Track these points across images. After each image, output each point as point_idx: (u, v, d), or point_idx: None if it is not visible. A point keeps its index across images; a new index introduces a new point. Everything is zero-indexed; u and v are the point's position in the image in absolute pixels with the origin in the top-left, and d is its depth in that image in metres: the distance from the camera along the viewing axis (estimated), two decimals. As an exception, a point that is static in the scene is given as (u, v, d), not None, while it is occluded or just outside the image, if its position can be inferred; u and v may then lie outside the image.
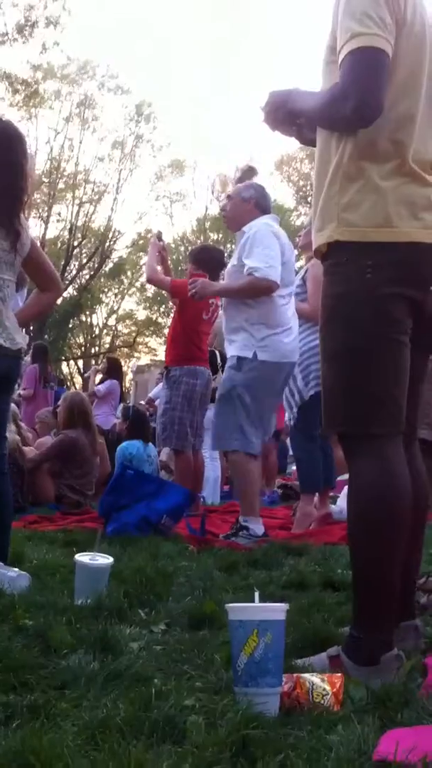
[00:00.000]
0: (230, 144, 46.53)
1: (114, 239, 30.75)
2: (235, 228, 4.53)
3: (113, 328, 34.17)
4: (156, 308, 32.70)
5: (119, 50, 45.95)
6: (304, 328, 4.61)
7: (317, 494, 5.11)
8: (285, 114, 2.10)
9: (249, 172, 5.27)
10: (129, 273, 32.63)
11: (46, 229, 28.60)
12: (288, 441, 10.62)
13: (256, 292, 4.21)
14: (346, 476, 3.74)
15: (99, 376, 10.49)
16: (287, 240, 4.44)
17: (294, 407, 4.98)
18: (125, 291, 33.39)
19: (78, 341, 33.26)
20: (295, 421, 5.05)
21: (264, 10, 45.10)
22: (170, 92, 45.99)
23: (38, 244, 2.98)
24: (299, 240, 5.35)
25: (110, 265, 31.56)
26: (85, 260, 30.24)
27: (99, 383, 10.25)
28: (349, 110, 1.82)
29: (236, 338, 4.30)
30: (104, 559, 2.58)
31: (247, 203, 4.50)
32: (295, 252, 5.03)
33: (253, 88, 41.32)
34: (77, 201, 29.52)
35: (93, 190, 29.87)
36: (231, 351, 4.33)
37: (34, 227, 26.83)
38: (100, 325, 33.76)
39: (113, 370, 10.40)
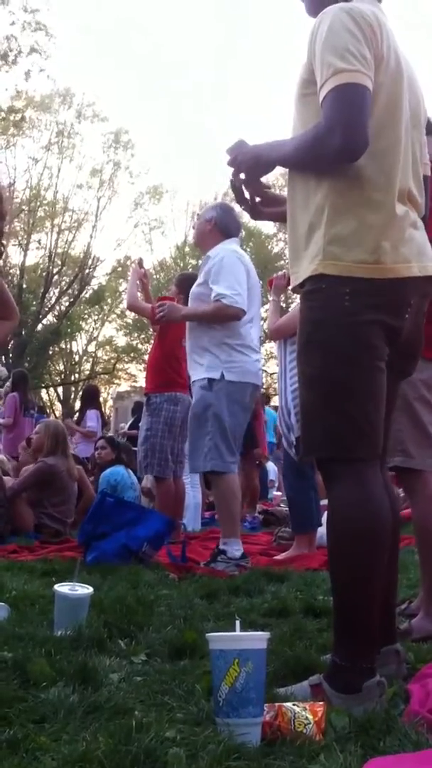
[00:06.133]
0: (210, 169, 46.90)
1: (93, 266, 30.76)
2: (201, 249, 4.58)
3: (93, 354, 34.06)
4: (136, 335, 32.64)
5: (98, 76, 46.14)
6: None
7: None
8: (264, 167, 2.14)
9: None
10: (109, 300, 32.61)
11: (25, 256, 28.58)
12: (268, 465, 10.65)
13: (223, 318, 4.26)
14: (326, 501, 3.73)
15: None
16: (251, 265, 4.51)
17: (289, 440, 4.90)
18: (105, 318, 33.35)
19: (58, 368, 33.09)
20: (288, 459, 4.99)
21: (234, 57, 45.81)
22: (149, 118, 46.26)
23: None
24: None
25: (90, 292, 31.53)
26: (64, 287, 30.21)
27: (78, 414, 10.11)
28: (337, 145, 1.85)
29: (202, 361, 4.34)
30: (84, 589, 2.55)
31: (207, 224, 4.57)
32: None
33: (234, 117, 41.96)
34: (56, 228, 29.56)
35: (72, 218, 29.96)
36: (199, 373, 4.36)
37: (13, 255, 26.82)
38: (80, 351, 33.65)
39: (90, 398, 10.32)
